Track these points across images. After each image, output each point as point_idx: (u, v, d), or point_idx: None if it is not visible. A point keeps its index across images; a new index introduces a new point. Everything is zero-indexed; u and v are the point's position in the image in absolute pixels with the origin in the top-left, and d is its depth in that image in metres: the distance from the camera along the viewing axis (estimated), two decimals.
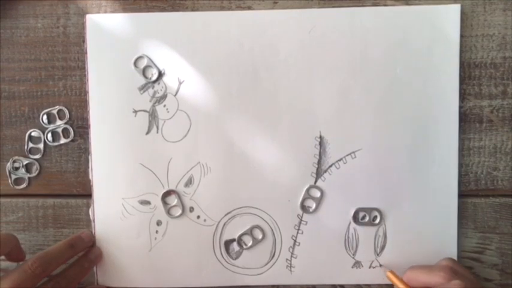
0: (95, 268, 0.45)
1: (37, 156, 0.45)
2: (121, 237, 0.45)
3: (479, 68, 0.44)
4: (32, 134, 0.45)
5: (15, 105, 0.45)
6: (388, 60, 0.43)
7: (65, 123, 0.45)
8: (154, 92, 0.44)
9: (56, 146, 0.45)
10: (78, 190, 0.45)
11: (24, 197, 0.46)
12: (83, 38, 0.44)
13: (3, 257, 0.39)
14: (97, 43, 0.44)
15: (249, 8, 0.44)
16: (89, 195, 0.45)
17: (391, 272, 0.43)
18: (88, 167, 0.45)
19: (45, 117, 0.45)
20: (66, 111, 0.45)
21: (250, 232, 0.45)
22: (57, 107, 0.45)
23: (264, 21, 0.43)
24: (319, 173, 0.44)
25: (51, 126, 0.45)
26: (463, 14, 0.43)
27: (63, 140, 0.45)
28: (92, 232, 0.45)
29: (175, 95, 0.44)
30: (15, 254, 0.40)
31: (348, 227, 0.44)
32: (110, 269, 0.45)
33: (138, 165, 0.44)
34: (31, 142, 0.45)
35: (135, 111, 0.44)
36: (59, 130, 0.45)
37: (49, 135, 0.45)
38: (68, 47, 0.44)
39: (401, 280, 0.42)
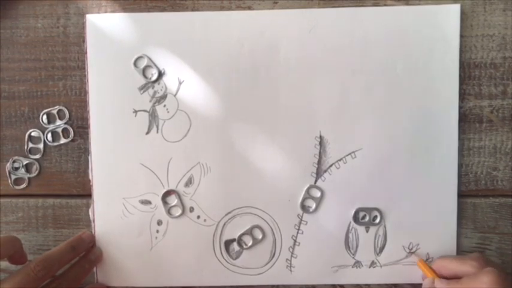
0: (95, 267, 0.45)
1: (37, 156, 0.45)
2: (122, 237, 0.45)
3: (479, 68, 0.44)
4: (32, 134, 0.45)
5: (15, 105, 0.45)
6: (388, 60, 0.43)
7: (65, 123, 0.45)
8: (154, 92, 0.44)
9: (56, 146, 0.45)
10: (78, 190, 0.45)
11: (24, 197, 0.46)
12: (83, 38, 0.44)
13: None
14: (97, 43, 0.44)
15: (249, 8, 0.44)
16: (88, 195, 0.45)
17: (421, 260, 0.43)
18: (88, 167, 0.45)
19: (45, 117, 0.45)
20: (66, 111, 0.45)
21: (250, 232, 0.45)
22: (57, 107, 0.45)
23: (264, 21, 0.43)
24: (319, 173, 0.44)
25: (51, 126, 0.45)
26: (463, 14, 0.43)
27: (63, 140, 0.45)
28: (92, 232, 0.45)
29: (175, 95, 0.44)
30: (18, 256, 0.40)
31: (348, 227, 0.44)
32: (110, 268, 0.45)
33: (138, 165, 0.44)
34: (31, 142, 0.45)
35: (135, 111, 0.44)
36: (59, 130, 0.45)
37: (49, 135, 0.45)
38: (68, 47, 0.44)
39: (431, 269, 0.42)
